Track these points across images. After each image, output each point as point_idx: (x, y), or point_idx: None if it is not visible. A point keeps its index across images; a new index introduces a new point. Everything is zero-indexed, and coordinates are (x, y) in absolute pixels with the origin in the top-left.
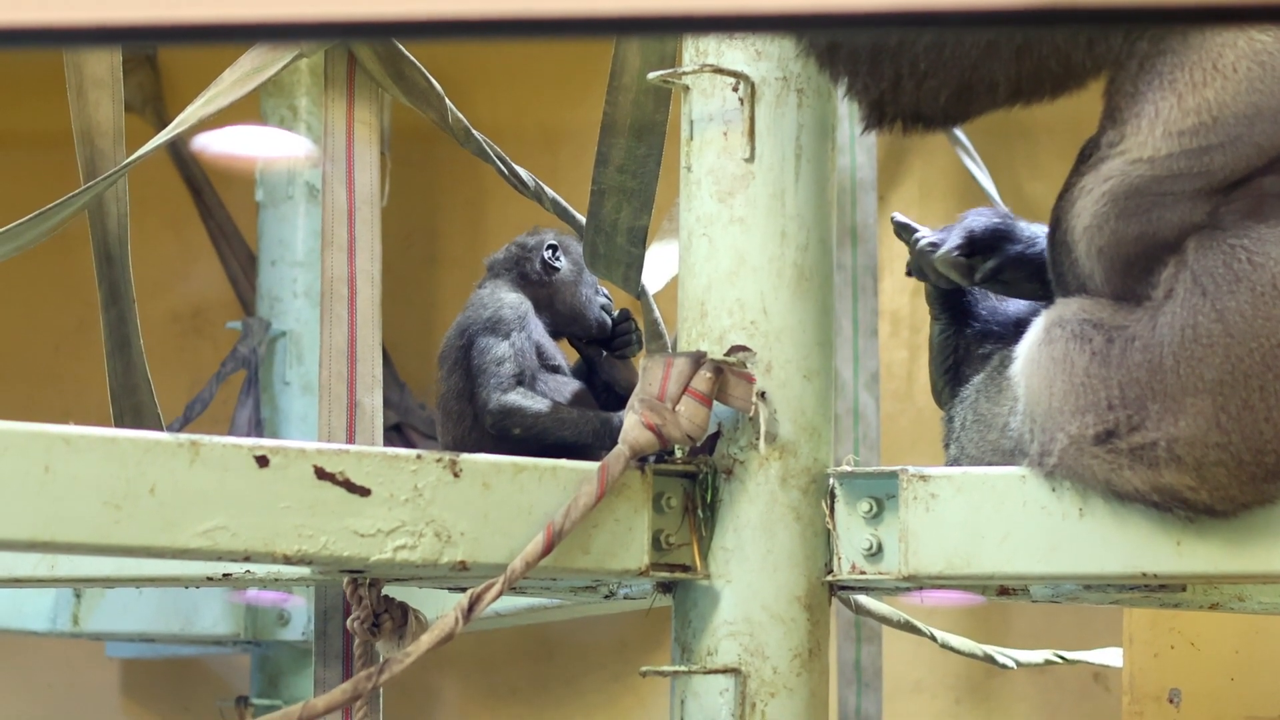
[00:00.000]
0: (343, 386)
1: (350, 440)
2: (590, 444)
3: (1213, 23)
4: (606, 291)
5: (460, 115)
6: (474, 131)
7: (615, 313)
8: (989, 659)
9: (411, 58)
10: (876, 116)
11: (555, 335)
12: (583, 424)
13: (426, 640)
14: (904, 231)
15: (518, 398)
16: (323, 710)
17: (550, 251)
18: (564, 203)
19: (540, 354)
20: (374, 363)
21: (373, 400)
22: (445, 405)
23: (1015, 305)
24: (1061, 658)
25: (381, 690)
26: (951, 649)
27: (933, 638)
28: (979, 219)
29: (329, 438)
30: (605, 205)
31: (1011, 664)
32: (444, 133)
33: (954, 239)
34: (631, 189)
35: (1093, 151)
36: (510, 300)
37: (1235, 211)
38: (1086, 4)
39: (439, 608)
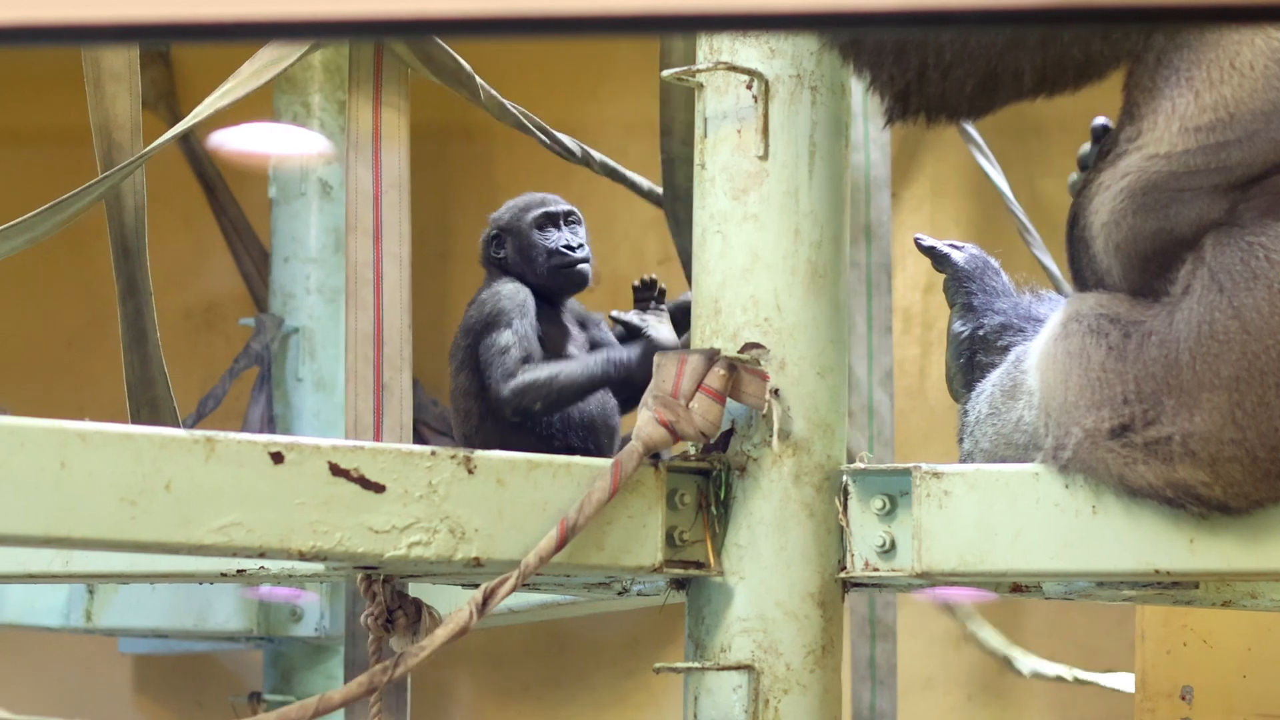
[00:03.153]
0: (369, 370)
1: (378, 424)
2: (609, 380)
3: (1230, 22)
4: (566, 240)
5: (493, 91)
6: (508, 105)
7: (578, 253)
8: (1007, 661)
9: (438, 39)
10: (901, 108)
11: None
12: (592, 366)
13: (441, 634)
14: (931, 255)
15: (526, 375)
16: (339, 703)
17: (494, 244)
18: (613, 163)
19: (541, 343)
20: (403, 344)
21: (402, 381)
22: (454, 402)
23: (1034, 300)
24: (1076, 678)
25: (409, 688)
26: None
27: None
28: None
29: (355, 422)
30: (677, 174)
31: (1026, 672)
32: (456, 129)
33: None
34: None
35: (1111, 147)
36: (506, 291)
37: (1253, 209)
38: (1100, 3)
39: (452, 605)
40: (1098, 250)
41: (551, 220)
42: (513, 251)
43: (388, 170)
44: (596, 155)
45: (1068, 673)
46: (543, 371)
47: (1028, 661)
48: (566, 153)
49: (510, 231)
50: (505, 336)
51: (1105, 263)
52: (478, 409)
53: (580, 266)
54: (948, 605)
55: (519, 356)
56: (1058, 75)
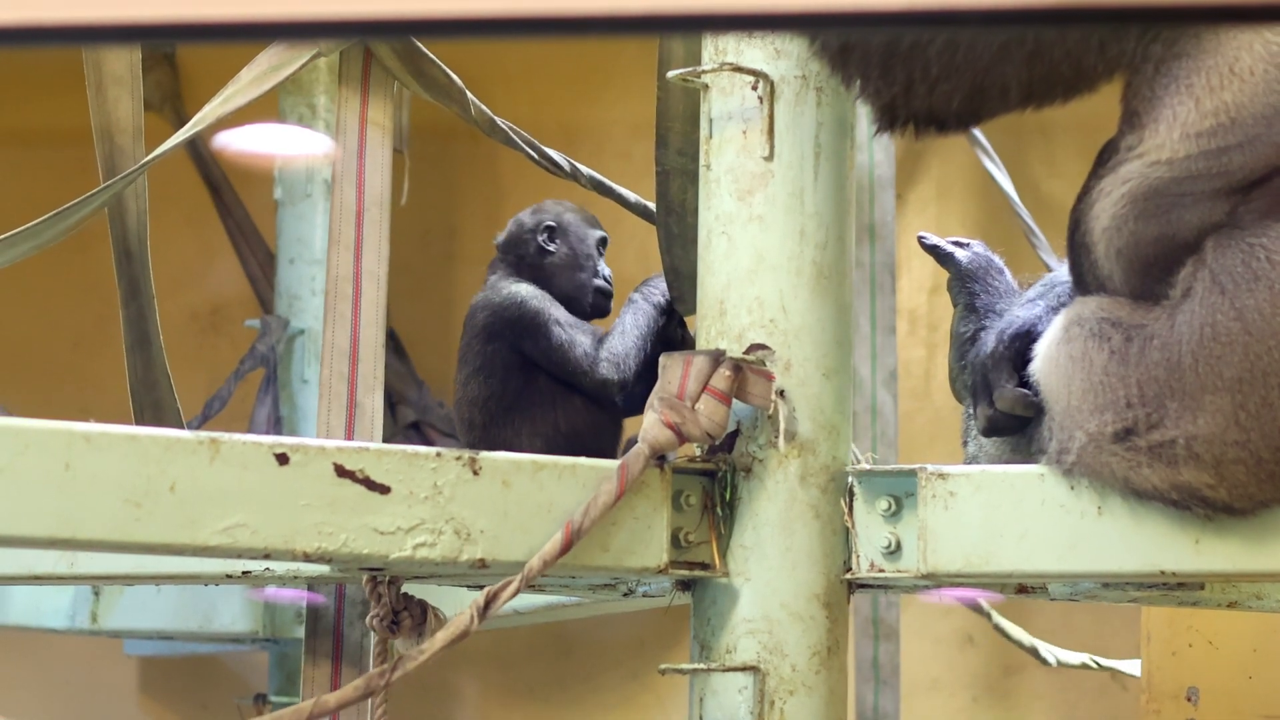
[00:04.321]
0: (343, 386)
1: (348, 440)
2: (659, 310)
3: (1230, 22)
4: (609, 273)
5: (483, 107)
6: (498, 120)
7: (610, 287)
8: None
9: (430, 55)
10: (888, 119)
11: None
12: (640, 307)
13: (441, 638)
14: (934, 253)
15: (610, 351)
16: (334, 706)
17: (545, 234)
18: (600, 177)
19: None
20: (376, 363)
21: (373, 401)
22: (459, 411)
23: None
24: (1099, 665)
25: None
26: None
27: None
28: (1014, 319)
29: (327, 437)
30: (671, 186)
31: (1052, 662)
32: (462, 130)
33: (1001, 371)
34: (693, 171)
35: (1111, 154)
36: (527, 291)
37: (1254, 210)
38: (1101, 4)
39: (458, 606)
40: (1099, 255)
41: (603, 246)
42: (563, 256)
43: (370, 187)
44: (584, 170)
45: (1090, 660)
46: (617, 342)
47: (1052, 652)
48: (555, 167)
49: (568, 236)
50: (561, 332)
51: (1107, 268)
52: (482, 419)
53: (610, 302)
54: (978, 604)
55: (589, 341)
56: (1045, 90)
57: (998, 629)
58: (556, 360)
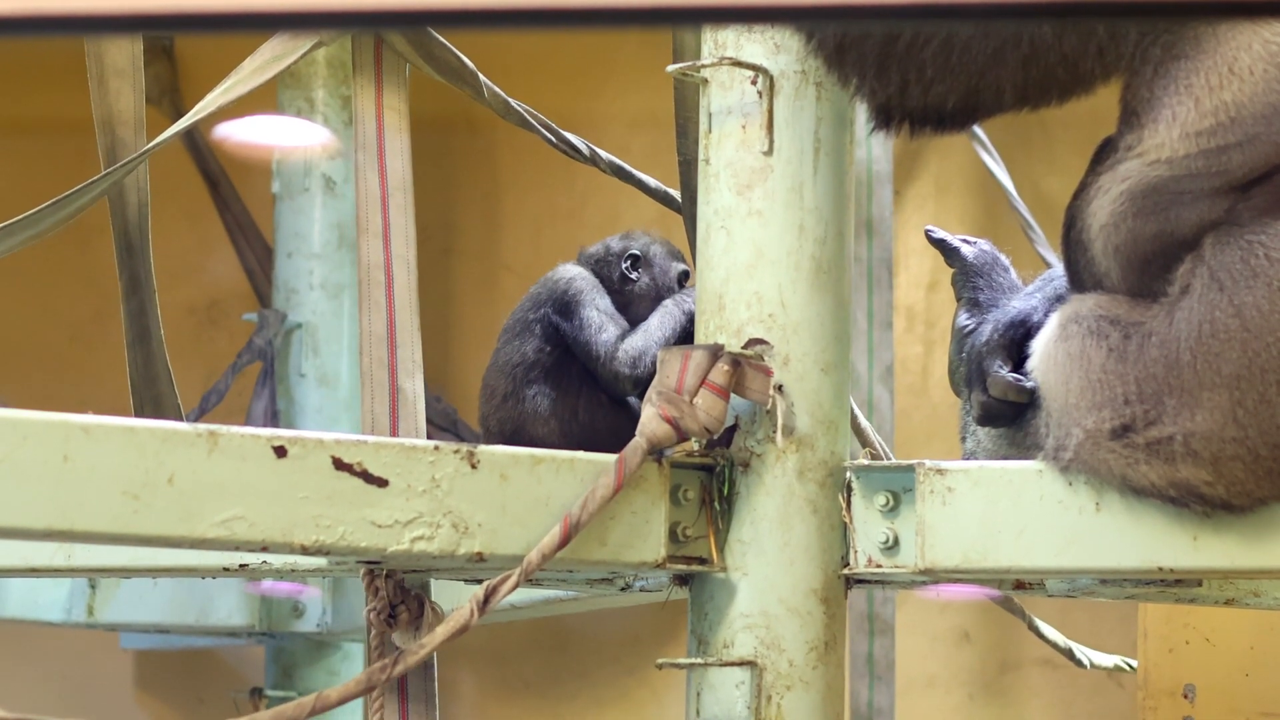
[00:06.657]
0: (384, 373)
1: (394, 427)
2: (687, 316)
3: (1231, 17)
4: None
5: (497, 89)
6: (513, 102)
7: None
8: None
9: (440, 38)
10: (884, 119)
11: None
12: (668, 313)
13: (442, 632)
14: (941, 247)
15: (630, 346)
16: (336, 701)
17: (629, 262)
18: (620, 162)
19: None
20: (414, 348)
21: (414, 385)
22: (486, 380)
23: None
24: (1130, 666)
25: (436, 679)
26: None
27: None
28: (1010, 310)
29: (372, 425)
30: (694, 176)
31: (1086, 664)
32: (459, 125)
33: (995, 358)
34: None
35: (1109, 153)
36: (575, 272)
37: (1253, 208)
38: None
39: (455, 599)
40: (1096, 253)
41: (684, 279)
42: (644, 286)
43: (392, 172)
44: (604, 154)
45: (1123, 662)
46: (638, 339)
47: (1086, 654)
48: (574, 151)
49: (651, 268)
50: (593, 315)
51: (1104, 265)
52: (505, 386)
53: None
54: (1010, 600)
55: (616, 332)
56: (1040, 93)
57: (1033, 629)
58: (580, 342)
